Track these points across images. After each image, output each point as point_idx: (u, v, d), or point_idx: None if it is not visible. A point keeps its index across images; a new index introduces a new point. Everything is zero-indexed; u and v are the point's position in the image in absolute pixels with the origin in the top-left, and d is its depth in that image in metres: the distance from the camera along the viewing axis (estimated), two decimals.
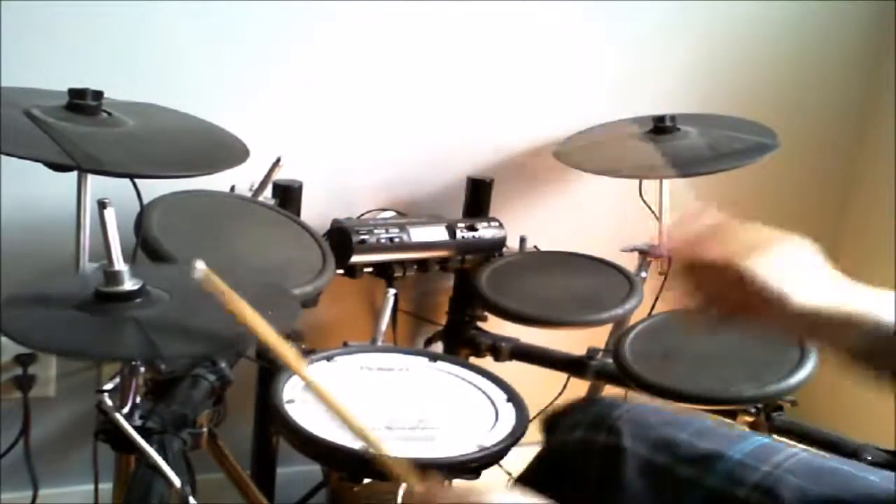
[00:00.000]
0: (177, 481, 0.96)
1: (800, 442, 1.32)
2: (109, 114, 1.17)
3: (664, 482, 0.86)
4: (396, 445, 0.98)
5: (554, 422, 0.98)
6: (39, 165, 1.04)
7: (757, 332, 0.87)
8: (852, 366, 0.79)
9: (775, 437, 1.32)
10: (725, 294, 0.80)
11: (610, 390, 1.54)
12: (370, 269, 1.49)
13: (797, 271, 0.82)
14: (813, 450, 0.90)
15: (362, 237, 1.45)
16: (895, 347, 0.76)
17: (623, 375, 1.31)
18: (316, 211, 1.51)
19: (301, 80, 1.55)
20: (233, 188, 1.42)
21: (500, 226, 1.60)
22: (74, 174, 1.09)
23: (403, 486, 1.13)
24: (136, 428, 0.99)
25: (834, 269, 0.84)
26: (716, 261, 0.80)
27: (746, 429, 1.35)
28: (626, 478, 0.87)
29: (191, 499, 0.97)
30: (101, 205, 0.94)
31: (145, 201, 1.19)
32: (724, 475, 0.85)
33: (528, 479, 0.94)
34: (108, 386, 1.00)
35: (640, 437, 0.89)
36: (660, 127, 1.57)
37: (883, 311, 0.79)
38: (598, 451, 0.89)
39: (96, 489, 1.31)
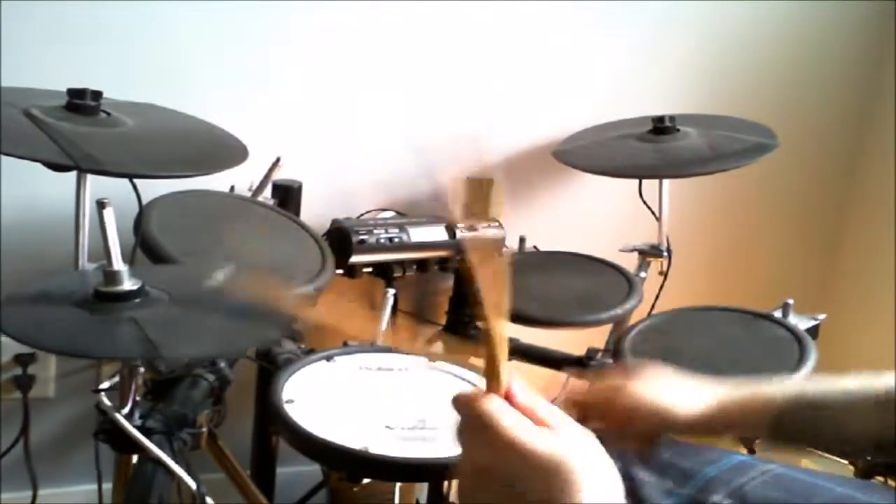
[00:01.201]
0: (192, 483, 0.96)
1: None
2: (109, 114, 1.17)
3: (640, 495, 0.88)
4: (396, 445, 0.98)
5: None
6: (39, 165, 1.05)
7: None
8: (773, 445, 0.86)
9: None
10: (627, 424, 0.86)
11: None
12: (370, 269, 1.49)
13: (668, 388, 0.87)
14: (790, 464, 0.93)
15: (362, 237, 1.45)
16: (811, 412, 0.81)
17: None
18: (316, 211, 1.51)
19: (301, 81, 1.55)
20: (232, 188, 1.42)
21: (500, 226, 1.60)
22: (74, 174, 1.10)
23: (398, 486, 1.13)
24: (136, 428, 0.99)
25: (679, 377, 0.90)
26: (607, 399, 0.87)
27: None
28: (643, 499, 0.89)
29: (208, 499, 0.97)
30: (101, 205, 0.94)
31: (144, 201, 1.19)
32: (699, 488, 0.87)
33: None
34: (106, 385, 1.00)
35: (620, 455, 0.90)
36: (660, 127, 1.57)
37: (780, 385, 0.85)
38: None
39: (100, 489, 1.31)
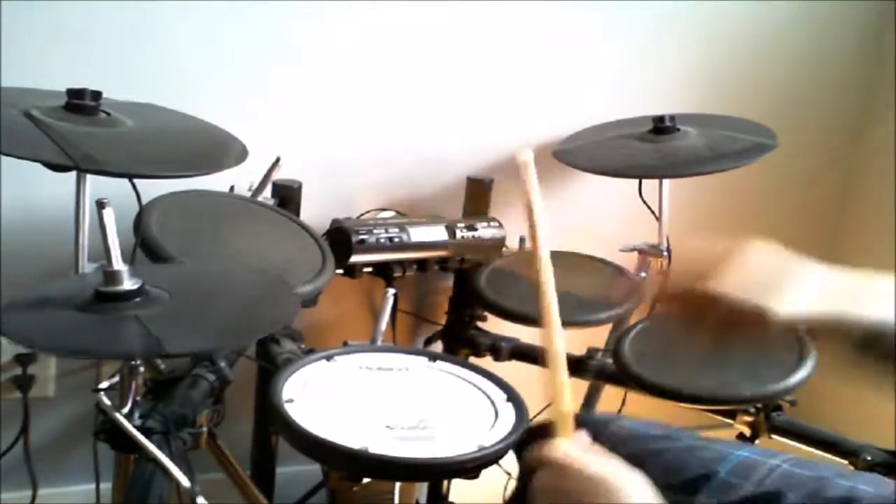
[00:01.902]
0: (186, 481, 0.96)
1: (799, 442, 1.32)
2: (108, 114, 1.17)
3: None
4: (396, 445, 0.98)
5: (537, 441, 0.99)
6: (39, 165, 1.05)
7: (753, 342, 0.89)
8: (852, 365, 0.80)
9: (772, 439, 1.33)
10: (717, 321, 0.84)
11: (610, 390, 1.54)
12: (370, 269, 1.49)
13: (775, 280, 0.83)
14: (795, 457, 0.92)
15: (362, 237, 1.45)
16: (890, 343, 0.77)
17: (623, 375, 1.31)
18: (316, 211, 1.51)
19: (300, 81, 1.55)
20: (232, 188, 1.42)
21: (500, 226, 1.60)
22: (73, 174, 1.09)
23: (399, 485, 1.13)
24: (136, 427, 0.99)
25: (808, 260, 0.85)
26: (698, 296, 0.84)
27: (746, 430, 1.35)
28: None
29: (200, 498, 0.97)
30: (100, 205, 0.94)
31: (144, 201, 1.19)
32: (712, 494, 0.87)
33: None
34: (105, 385, 1.00)
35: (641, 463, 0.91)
36: (659, 127, 1.57)
37: (873, 304, 0.80)
38: None
39: (98, 488, 1.32)
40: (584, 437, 0.82)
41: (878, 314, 0.79)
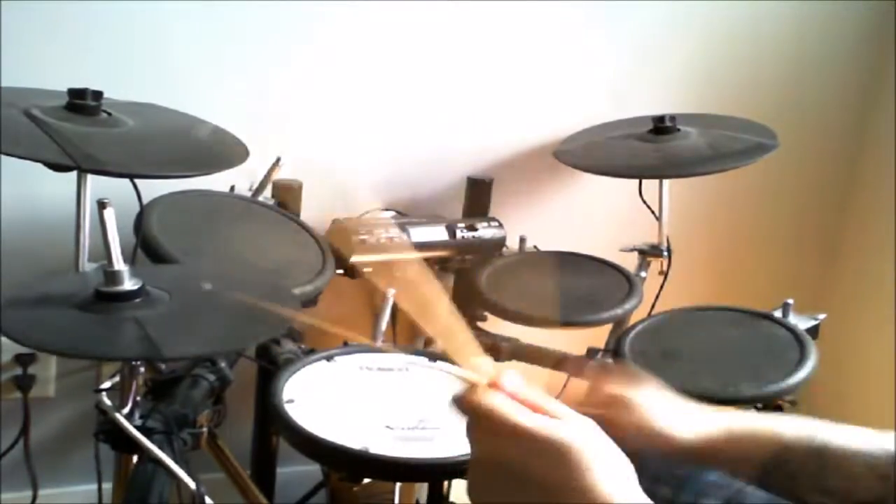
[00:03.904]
0: (192, 483, 0.96)
1: None
2: (109, 114, 1.18)
3: None
4: (396, 445, 0.98)
5: None
6: (39, 165, 1.05)
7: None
8: (767, 484, 0.79)
9: None
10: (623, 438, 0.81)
11: None
12: (370, 269, 1.49)
13: (666, 407, 0.82)
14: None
15: (362, 237, 1.45)
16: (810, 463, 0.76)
17: None
18: (316, 211, 1.51)
19: (301, 80, 1.55)
20: (233, 188, 1.42)
21: (500, 226, 1.60)
22: (74, 174, 1.10)
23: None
24: (136, 428, 0.99)
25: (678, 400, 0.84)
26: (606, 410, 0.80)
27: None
28: None
29: (207, 499, 0.97)
30: (101, 205, 0.94)
31: (145, 201, 1.19)
32: (697, 492, 0.86)
33: None
34: (106, 385, 1.00)
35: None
36: (660, 127, 1.57)
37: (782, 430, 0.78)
38: None
39: (100, 489, 1.31)
40: (513, 376, 0.63)
41: (799, 431, 0.77)
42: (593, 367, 1.25)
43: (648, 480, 0.88)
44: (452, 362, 0.65)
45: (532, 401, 0.61)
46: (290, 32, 1.51)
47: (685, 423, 0.79)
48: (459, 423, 0.62)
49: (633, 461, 0.61)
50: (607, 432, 0.70)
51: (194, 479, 0.96)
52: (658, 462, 0.90)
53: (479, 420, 0.60)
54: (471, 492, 0.60)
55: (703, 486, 0.87)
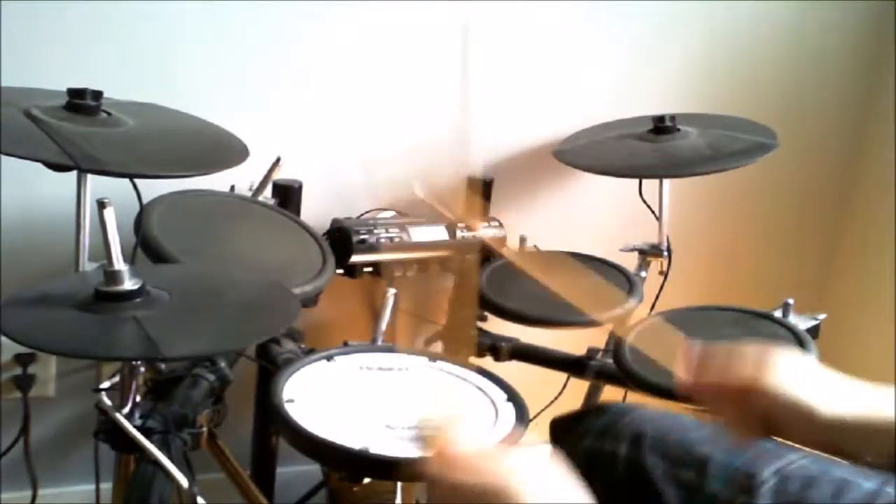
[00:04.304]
0: (184, 481, 0.96)
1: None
2: (109, 114, 1.18)
3: (664, 490, 0.87)
4: (396, 445, 0.98)
5: (563, 427, 0.99)
6: (39, 165, 1.05)
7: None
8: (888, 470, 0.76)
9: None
10: (755, 416, 0.77)
11: (610, 390, 1.54)
12: (370, 269, 1.49)
13: (815, 381, 0.78)
14: (813, 454, 0.89)
15: (362, 237, 1.45)
16: None
17: (623, 375, 1.31)
18: (316, 211, 1.51)
19: (301, 80, 1.55)
20: (232, 188, 1.42)
21: (500, 226, 1.60)
22: (74, 174, 1.10)
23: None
24: (136, 428, 0.99)
25: (838, 373, 0.80)
26: (740, 388, 0.77)
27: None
28: (620, 483, 0.88)
29: (199, 499, 0.97)
30: (101, 205, 0.94)
31: (145, 201, 1.19)
32: (724, 481, 0.85)
33: None
34: (106, 385, 1.00)
35: (639, 444, 0.90)
36: (660, 127, 1.57)
37: None
38: (605, 458, 0.90)
39: (98, 489, 1.32)
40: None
41: None
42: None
43: (670, 463, 0.88)
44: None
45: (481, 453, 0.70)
46: (289, 32, 1.51)
47: (828, 399, 0.76)
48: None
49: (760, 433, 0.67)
50: (744, 405, 0.74)
51: (189, 479, 0.96)
52: (680, 446, 0.89)
53: (437, 489, 0.69)
54: None
55: (731, 472, 0.86)
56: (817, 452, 0.89)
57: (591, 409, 1.07)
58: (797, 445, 0.88)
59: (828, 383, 0.78)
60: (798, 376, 0.77)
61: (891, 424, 0.74)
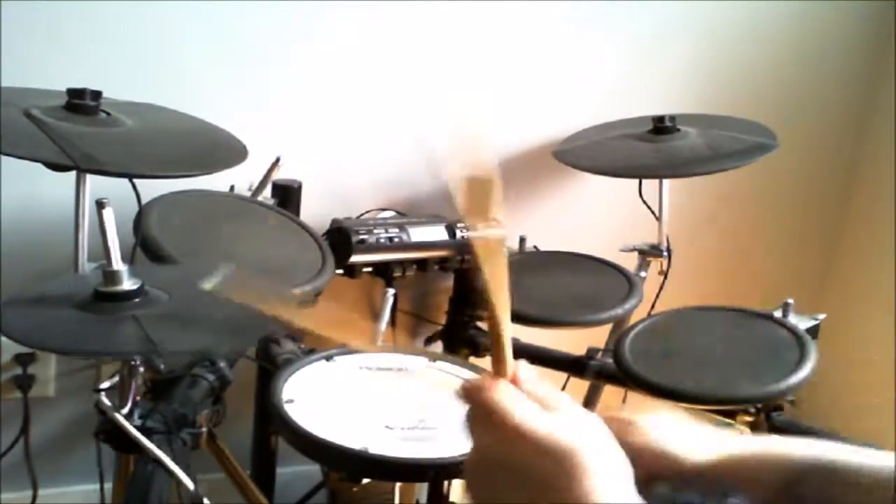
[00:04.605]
0: (190, 483, 0.96)
1: None
2: (108, 114, 1.18)
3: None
4: (396, 445, 0.98)
5: None
6: (39, 165, 1.05)
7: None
8: None
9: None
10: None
11: (610, 390, 1.54)
12: (370, 269, 1.49)
13: (678, 431, 0.79)
14: None
15: (362, 237, 1.45)
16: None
17: (623, 375, 1.31)
18: (316, 211, 1.51)
19: (300, 80, 1.55)
20: (232, 188, 1.42)
21: (500, 226, 1.60)
22: (73, 174, 1.10)
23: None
24: (136, 428, 0.99)
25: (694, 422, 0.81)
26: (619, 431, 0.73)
27: (746, 430, 1.34)
28: None
29: (205, 500, 0.97)
30: (100, 205, 0.94)
31: (144, 201, 1.19)
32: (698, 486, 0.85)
33: None
34: (106, 385, 1.00)
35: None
36: (659, 127, 1.57)
37: (801, 451, 0.75)
38: None
39: (102, 489, 1.31)
40: (525, 370, 0.63)
41: (808, 451, 0.74)
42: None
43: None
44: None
45: (541, 396, 0.61)
46: (289, 33, 1.51)
47: (696, 446, 0.77)
48: (460, 413, 0.62)
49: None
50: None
51: (193, 479, 0.96)
52: (661, 492, 0.89)
53: (482, 414, 0.60)
54: (468, 485, 0.60)
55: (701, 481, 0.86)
56: None
57: None
58: None
59: (691, 432, 0.78)
60: (664, 428, 0.77)
61: (763, 461, 0.75)
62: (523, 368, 0.63)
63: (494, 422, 0.58)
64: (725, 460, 0.76)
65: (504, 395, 0.59)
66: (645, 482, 0.74)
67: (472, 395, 0.61)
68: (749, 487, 0.76)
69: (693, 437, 0.78)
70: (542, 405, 0.60)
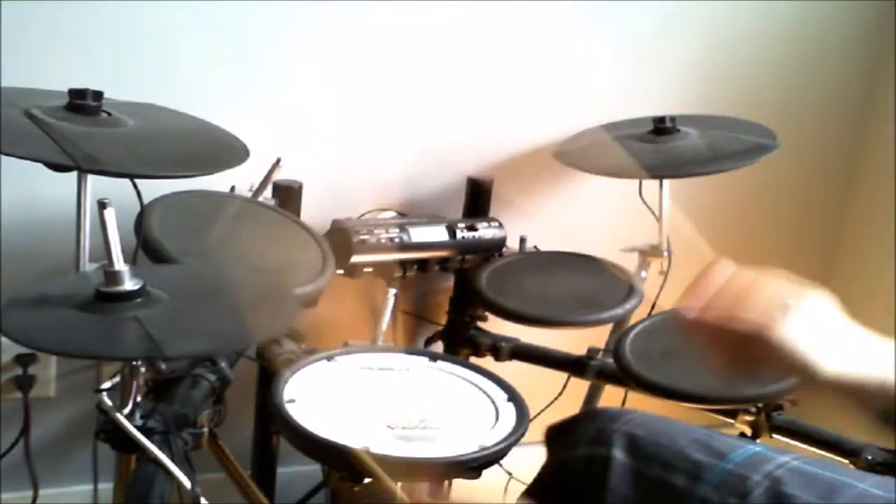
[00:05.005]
0: (187, 482, 0.96)
1: (800, 441, 1.32)
2: (109, 114, 1.18)
3: (655, 494, 0.87)
4: (396, 445, 0.98)
5: (557, 435, 0.99)
6: (39, 165, 1.05)
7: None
8: (883, 428, 0.76)
9: (773, 439, 1.33)
10: (754, 359, 0.77)
11: (610, 390, 1.54)
12: (370, 270, 1.49)
13: (825, 333, 0.77)
14: (805, 456, 0.90)
15: (362, 237, 1.45)
16: None
17: (623, 375, 1.31)
18: (316, 211, 1.51)
19: (301, 81, 1.55)
20: (233, 188, 1.42)
21: (500, 226, 1.60)
22: (74, 174, 1.10)
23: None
24: (137, 428, 0.99)
25: (854, 323, 0.80)
26: (743, 329, 0.76)
27: (747, 429, 1.35)
28: (612, 488, 0.87)
29: (202, 500, 0.97)
30: (101, 205, 0.94)
31: (145, 201, 1.19)
32: (715, 485, 0.85)
33: (534, 493, 0.95)
34: (106, 385, 1.00)
35: (631, 448, 0.90)
36: (659, 128, 1.57)
37: None
38: (599, 463, 0.90)
39: (95, 489, 1.31)
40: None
41: None
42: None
43: (659, 467, 0.88)
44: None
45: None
46: (290, 33, 1.51)
47: (834, 354, 0.76)
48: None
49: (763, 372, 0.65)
50: (748, 351, 0.75)
51: (192, 480, 0.96)
52: (671, 450, 0.89)
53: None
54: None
55: (723, 475, 0.86)
56: (811, 454, 0.88)
57: (584, 415, 1.07)
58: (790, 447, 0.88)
59: (840, 337, 0.77)
60: (808, 328, 0.76)
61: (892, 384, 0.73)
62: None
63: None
64: (857, 379, 0.75)
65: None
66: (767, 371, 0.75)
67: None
68: (864, 407, 0.76)
69: (838, 344, 0.77)
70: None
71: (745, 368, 0.78)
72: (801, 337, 0.75)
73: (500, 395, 1.13)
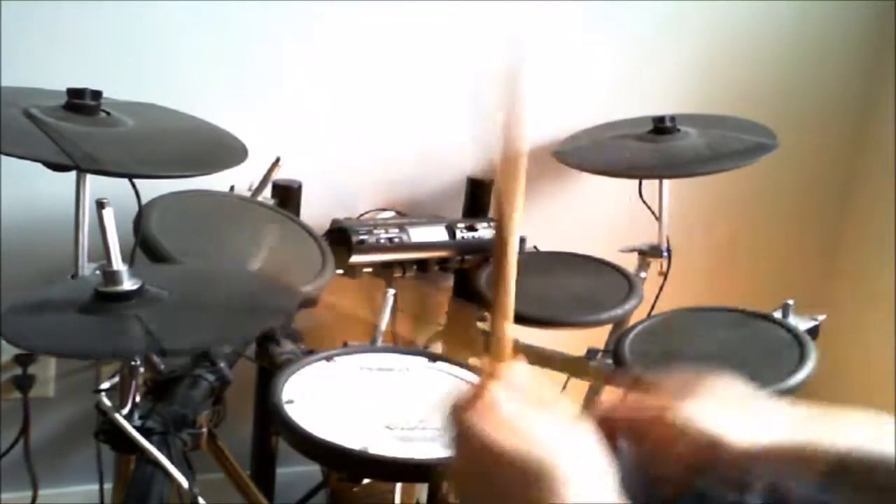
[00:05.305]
0: (185, 482, 0.96)
1: None
2: (108, 113, 1.18)
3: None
4: (396, 445, 0.98)
5: None
6: (39, 165, 1.05)
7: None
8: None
9: None
10: (669, 449, 0.72)
11: (610, 390, 1.54)
12: (370, 270, 1.49)
13: (734, 409, 0.73)
14: None
15: (362, 237, 1.45)
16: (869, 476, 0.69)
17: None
18: (316, 211, 1.51)
19: (300, 80, 1.55)
20: (232, 188, 1.42)
21: None
22: (73, 174, 1.09)
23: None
24: (135, 428, 0.99)
25: (772, 398, 0.77)
26: (652, 418, 0.73)
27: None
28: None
29: (200, 499, 0.97)
30: (100, 205, 0.94)
31: (144, 201, 1.19)
32: (715, 477, 0.84)
33: None
34: (106, 385, 1.00)
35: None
36: (659, 127, 1.57)
37: (843, 431, 0.72)
38: None
39: (101, 489, 1.31)
40: (522, 370, 0.65)
41: (849, 441, 0.70)
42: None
43: None
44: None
45: (535, 396, 0.62)
46: (289, 33, 1.51)
47: (743, 427, 0.72)
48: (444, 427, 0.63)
49: (683, 472, 0.62)
50: (655, 441, 0.70)
51: (190, 480, 0.96)
52: (642, 491, 0.88)
53: (459, 431, 0.61)
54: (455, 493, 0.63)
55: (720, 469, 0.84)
56: None
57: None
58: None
59: (749, 410, 0.74)
60: (713, 405, 0.72)
61: (810, 448, 0.71)
62: (518, 369, 0.65)
63: (468, 441, 0.60)
64: (773, 446, 0.71)
65: (476, 414, 0.61)
66: (682, 471, 0.71)
67: (451, 414, 0.62)
68: (797, 475, 0.71)
69: (743, 418, 0.73)
70: (531, 404, 0.61)
71: (668, 466, 0.75)
72: (706, 415, 0.71)
73: None
